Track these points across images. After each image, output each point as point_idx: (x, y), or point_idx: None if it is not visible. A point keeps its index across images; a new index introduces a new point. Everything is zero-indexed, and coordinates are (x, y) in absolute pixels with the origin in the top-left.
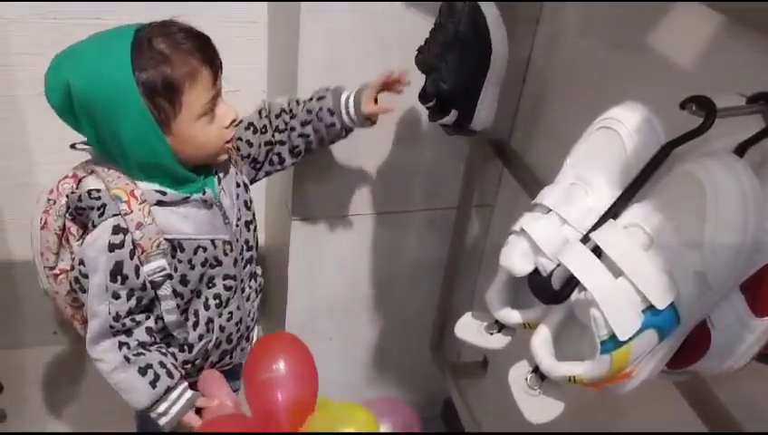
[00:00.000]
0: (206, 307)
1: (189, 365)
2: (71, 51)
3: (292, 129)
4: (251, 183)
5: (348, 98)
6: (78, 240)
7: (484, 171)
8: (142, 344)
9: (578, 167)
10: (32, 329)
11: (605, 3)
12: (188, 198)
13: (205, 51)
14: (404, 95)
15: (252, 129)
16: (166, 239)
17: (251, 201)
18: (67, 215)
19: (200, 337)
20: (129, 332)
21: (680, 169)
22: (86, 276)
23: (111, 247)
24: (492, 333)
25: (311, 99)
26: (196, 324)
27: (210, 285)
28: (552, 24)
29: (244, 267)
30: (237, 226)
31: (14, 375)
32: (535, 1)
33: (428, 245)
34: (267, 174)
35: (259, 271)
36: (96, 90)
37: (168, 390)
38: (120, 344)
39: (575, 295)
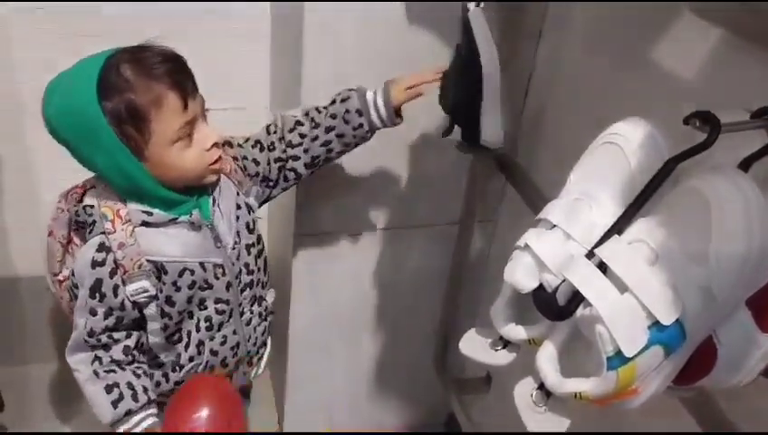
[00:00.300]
0: (198, 329)
1: (180, 385)
2: (53, 80)
3: (314, 138)
4: (266, 200)
5: (375, 95)
6: None
7: (486, 186)
8: (116, 362)
9: (582, 182)
10: (34, 345)
11: (607, 19)
12: (176, 219)
13: (174, 76)
14: (406, 112)
15: (258, 147)
16: (149, 261)
17: (254, 223)
18: (72, 225)
19: (191, 359)
20: (106, 347)
21: (685, 184)
22: (77, 287)
23: (94, 264)
24: (497, 350)
25: (332, 103)
26: (187, 345)
27: (202, 307)
28: (554, 39)
29: (243, 291)
30: (234, 248)
31: (16, 392)
32: None
33: (431, 260)
34: (284, 190)
35: (266, 294)
36: (67, 120)
37: (129, 413)
38: (95, 358)
39: (580, 311)
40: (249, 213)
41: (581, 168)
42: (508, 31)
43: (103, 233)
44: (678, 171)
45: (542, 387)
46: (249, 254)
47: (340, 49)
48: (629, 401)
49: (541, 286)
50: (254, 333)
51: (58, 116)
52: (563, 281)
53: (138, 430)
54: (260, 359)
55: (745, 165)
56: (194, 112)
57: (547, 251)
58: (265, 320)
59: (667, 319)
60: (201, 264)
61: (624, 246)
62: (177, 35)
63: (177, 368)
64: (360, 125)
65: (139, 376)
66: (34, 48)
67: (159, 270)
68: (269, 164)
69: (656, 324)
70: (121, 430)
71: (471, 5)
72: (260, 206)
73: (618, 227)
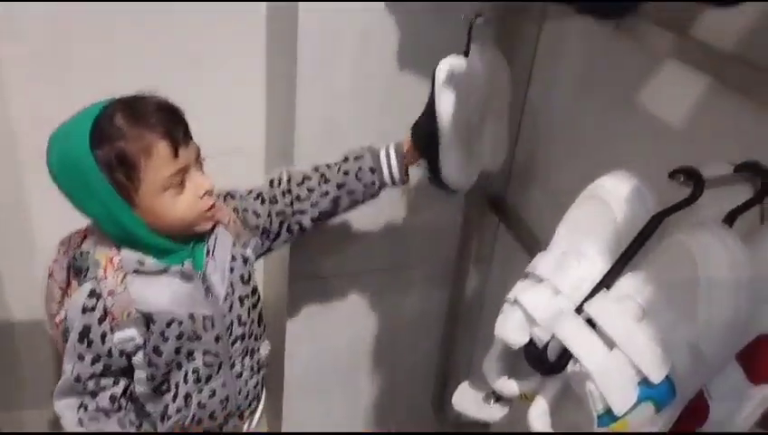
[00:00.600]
0: (185, 381)
1: None
2: (55, 129)
3: (324, 193)
4: (266, 253)
5: (388, 155)
6: None
7: (480, 227)
8: (103, 410)
9: (570, 235)
10: (31, 391)
11: (596, 63)
12: (168, 268)
13: (165, 124)
14: None
15: (260, 199)
16: (138, 310)
17: (250, 275)
18: (70, 269)
19: (178, 410)
20: (93, 394)
21: (671, 239)
22: (69, 332)
23: (84, 310)
24: (490, 404)
25: (345, 160)
26: (174, 397)
27: (190, 359)
28: (543, 83)
29: (233, 344)
30: (226, 300)
31: None
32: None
33: (427, 300)
34: (285, 242)
35: (259, 347)
36: (64, 168)
37: None
38: (81, 405)
39: (571, 367)
40: (245, 265)
41: (569, 221)
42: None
43: (95, 279)
44: (665, 223)
45: None
46: (242, 306)
47: (333, 94)
48: None
49: (531, 341)
50: (246, 387)
51: (56, 164)
52: (553, 336)
53: None
54: (252, 412)
55: (730, 218)
56: (185, 161)
57: (536, 306)
58: (258, 373)
59: (656, 376)
60: (190, 315)
61: (612, 303)
62: (174, 83)
63: (165, 419)
64: (373, 183)
65: (124, 426)
66: (28, 95)
67: (147, 320)
68: (269, 217)
69: (645, 381)
70: None
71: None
72: (258, 258)
73: (606, 283)
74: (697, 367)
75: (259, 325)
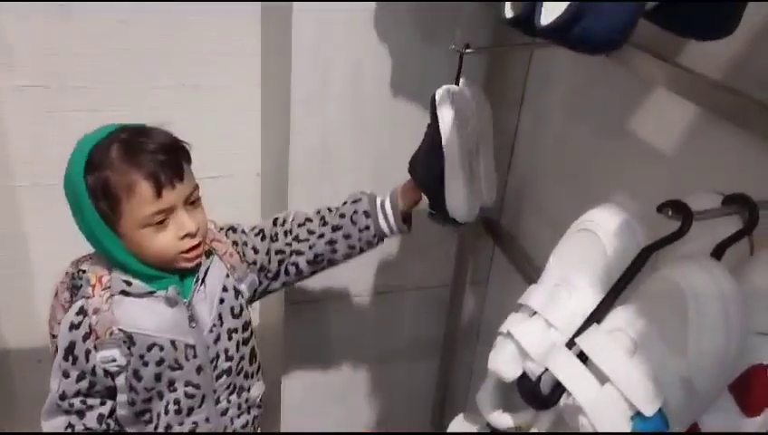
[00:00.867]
0: (166, 412)
1: None
2: (79, 139)
3: (321, 235)
4: (264, 293)
5: (384, 199)
6: None
7: (476, 249)
8: (89, 431)
9: (561, 268)
10: (28, 417)
11: (586, 88)
12: (154, 292)
13: (153, 165)
14: (398, 174)
15: (261, 235)
16: (121, 330)
17: (242, 310)
18: (71, 289)
19: None
20: (81, 414)
21: (660, 273)
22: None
23: (71, 327)
24: None
25: (344, 203)
26: (155, 428)
27: (171, 388)
28: (534, 108)
29: (218, 378)
30: (212, 331)
31: None
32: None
33: (424, 323)
34: (284, 285)
35: (251, 386)
36: (65, 187)
37: None
38: (68, 425)
39: (564, 401)
40: (236, 298)
41: (560, 253)
42: (490, 98)
43: (84, 297)
44: (655, 256)
45: None
46: (230, 339)
47: (326, 120)
48: None
49: (524, 375)
50: (232, 425)
51: (63, 179)
52: (546, 370)
53: None
54: None
55: (719, 250)
56: (170, 202)
57: (529, 339)
58: (248, 413)
59: (648, 410)
60: (172, 341)
61: (604, 336)
62: (171, 109)
63: None
64: (367, 227)
65: None
66: (25, 122)
67: (129, 341)
68: (268, 254)
69: (638, 415)
70: None
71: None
72: (258, 298)
73: (597, 316)
74: (690, 400)
75: (251, 363)
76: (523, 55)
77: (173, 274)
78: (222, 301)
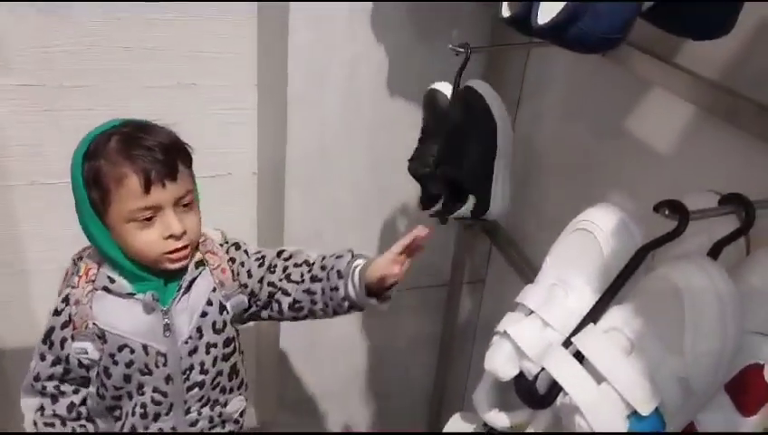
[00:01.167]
0: (133, 413)
1: None
2: None
3: (302, 281)
4: (248, 319)
5: (359, 264)
6: None
7: (473, 249)
8: (59, 417)
9: (557, 267)
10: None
11: (583, 88)
12: (134, 294)
13: (146, 161)
14: (395, 174)
15: (260, 262)
16: (96, 325)
17: (225, 325)
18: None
19: None
20: (54, 398)
21: (657, 272)
22: None
23: (54, 312)
24: None
25: (332, 255)
26: (122, 426)
27: (140, 392)
28: (531, 108)
29: (190, 390)
30: (188, 343)
31: None
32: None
33: (422, 322)
34: (270, 318)
35: (227, 400)
36: (70, 167)
37: None
38: (40, 408)
39: (560, 400)
40: (221, 313)
41: (557, 252)
42: None
43: (71, 287)
44: (651, 256)
45: None
46: (208, 353)
47: (323, 118)
48: None
49: (521, 374)
50: None
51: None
52: (543, 369)
53: None
54: None
55: (716, 250)
56: (158, 200)
57: (526, 339)
58: (222, 427)
59: (645, 409)
60: (144, 346)
61: (600, 335)
62: (168, 108)
63: None
64: (336, 288)
65: None
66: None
67: (102, 338)
68: (261, 282)
69: (634, 414)
70: None
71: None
72: (247, 321)
73: (594, 315)
74: (686, 399)
75: (230, 379)
76: (520, 55)
77: (158, 275)
78: (204, 314)
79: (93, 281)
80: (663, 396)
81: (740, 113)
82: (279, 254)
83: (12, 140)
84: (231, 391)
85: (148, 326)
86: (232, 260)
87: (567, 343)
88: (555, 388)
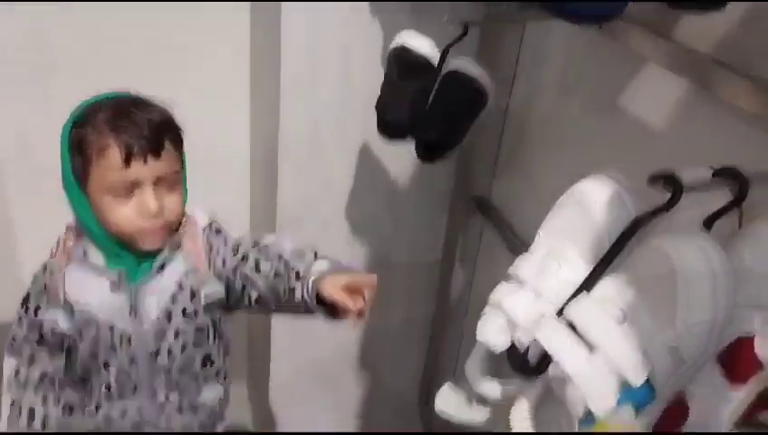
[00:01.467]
0: (99, 389)
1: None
2: None
3: (268, 277)
4: (234, 307)
5: (317, 271)
6: None
7: (466, 226)
8: (31, 383)
9: (551, 238)
10: None
11: (578, 63)
12: (105, 271)
13: (130, 134)
14: (384, 154)
15: (235, 250)
16: (67, 297)
17: (197, 313)
18: None
19: (89, 414)
20: (30, 361)
21: (650, 244)
22: None
23: (34, 279)
24: (472, 406)
25: (299, 251)
26: (90, 400)
27: (106, 368)
28: (526, 83)
29: (156, 374)
30: (155, 326)
31: None
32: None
33: (413, 300)
34: (249, 311)
35: (200, 388)
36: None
37: None
38: (16, 370)
39: (552, 370)
40: (192, 300)
41: (550, 224)
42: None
43: (51, 256)
44: (645, 228)
45: None
46: (176, 339)
47: (315, 100)
48: None
49: (513, 345)
50: (169, 423)
51: None
52: (535, 340)
53: None
54: None
55: (709, 222)
56: (138, 176)
57: (518, 310)
58: (193, 414)
59: (636, 380)
60: (109, 325)
61: (593, 306)
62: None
63: (79, 413)
64: (294, 289)
65: (46, 404)
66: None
67: (71, 310)
68: (235, 272)
69: (626, 384)
70: None
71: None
72: (231, 310)
73: (586, 286)
74: (677, 369)
75: (204, 367)
76: (515, 30)
77: (133, 253)
78: (174, 298)
79: (70, 252)
80: (654, 366)
81: (736, 89)
82: (255, 243)
83: (1, 128)
84: (205, 379)
85: (115, 304)
86: (210, 247)
87: (559, 314)
88: (547, 358)
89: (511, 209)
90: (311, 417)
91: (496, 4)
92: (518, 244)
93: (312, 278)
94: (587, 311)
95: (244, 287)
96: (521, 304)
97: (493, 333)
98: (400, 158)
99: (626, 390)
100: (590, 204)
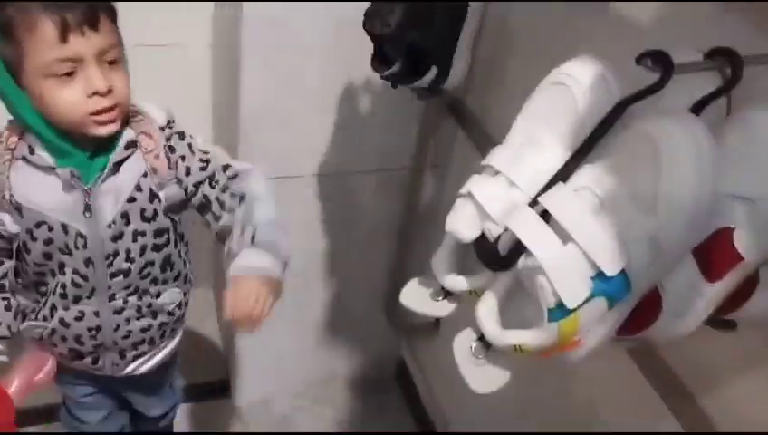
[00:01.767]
0: (54, 292)
1: (29, 338)
2: None
3: (222, 222)
4: (180, 210)
5: (236, 265)
6: None
7: (438, 131)
8: None
9: (528, 125)
10: None
11: None
12: (54, 169)
13: (63, 5)
14: (355, 54)
15: (204, 165)
16: (13, 197)
17: (156, 214)
18: None
19: (43, 317)
20: None
21: (635, 128)
22: None
23: None
24: (437, 300)
25: (248, 207)
26: (44, 304)
27: (61, 271)
28: None
29: (114, 277)
30: (111, 227)
31: None
32: None
33: (382, 206)
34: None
35: (160, 292)
36: None
37: None
38: None
39: (522, 262)
40: (151, 202)
41: (528, 110)
42: None
43: None
44: (629, 114)
45: (481, 339)
46: (135, 241)
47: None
48: (572, 352)
49: (482, 236)
50: (127, 326)
51: None
52: (506, 230)
53: None
54: (138, 356)
55: (698, 108)
56: (78, 51)
57: (489, 199)
58: (152, 317)
59: (611, 270)
60: (63, 225)
61: (569, 194)
62: None
63: (27, 318)
64: (227, 254)
65: None
66: None
67: (19, 211)
68: (197, 188)
69: (599, 275)
70: None
71: None
72: (174, 213)
73: (563, 174)
74: (654, 261)
75: (163, 271)
76: None
77: (83, 147)
78: (132, 199)
79: (13, 150)
80: (631, 256)
81: None
82: (225, 168)
83: None
84: (165, 282)
85: (68, 204)
86: (171, 149)
87: (533, 203)
88: (517, 249)
89: (486, 113)
90: (275, 319)
91: None
92: (491, 148)
93: (230, 269)
94: (562, 199)
95: (201, 207)
96: (492, 193)
97: (462, 223)
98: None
99: (600, 281)
100: (573, 86)
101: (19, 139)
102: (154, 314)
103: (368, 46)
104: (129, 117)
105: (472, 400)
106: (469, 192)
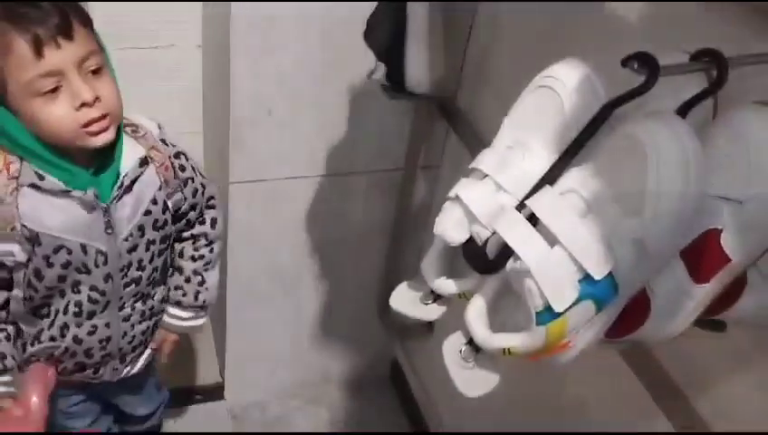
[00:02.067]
0: (65, 311)
1: (35, 359)
2: None
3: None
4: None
5: (166, 320)
6: None
7: (430, 132)
8: None
9: (515, 128)
10: None
11: None
12: (70, 191)
13: (31, 19)
14: (345, 54)
15: (194, 194)
16: (25, 226)
17: (166, 223)
18: None
19: (51, 338)
20: None
21: (621, 131)
22: None
23: None
24: (427, 304)
25: (197, 271)
26: (51, 324)
27: (75, 290)
28: None
29: (127, 286)
30: (128, 240)
31: None
32: None
33: (374, 207)
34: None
35: (155, 293)
36: None
37: None
38: None
39: (510, 265)
40: (164, 212)
41: (515, 113)
42: None
43: None
44: (615, 116)
45: (471, 342)
46: (147, 250)
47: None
48: (561, 355)
49: (471, 239)
50: (132, 331)
51: None
52: (493, 233)
53: None
54: (136, 357)
55: (684, 110)
56: (56, 64)
57: (477, 202)
58: (149, 319)
59: (598, 273)
60: (83, 246)
61: (555, 197)
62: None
63: (36, 342)
64: (168, 292)
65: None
66: None
67: (33, 240)
68: (180, 216)
69: (587, 278)
70: None
71: None
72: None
73: (550, 177)
74: (641, 263)
75: (163, 273)
76: None
77: (84, 164)
78: (148, 212)
79: (17, 177)
80: (618, 259)
81: None
82: (210, 198)
83: None
84: (160, 283)
85: (86, 224)
86: (176, 167)
87: (521, 206)
88: (505, 252)
89: (477, 114)
90: (267, 318)
91: None
92: (482, 150)
93: (165, 317)
94: (548, 202)
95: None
96: (480, 197)
97: (450, 226)
98: (362, 60)
99: (587, 284)
100: (559, 89)
101: (21, 164)
102: (152, 316)
103: (359, 46)
104: (131, 132)
105: (465, 400)
106: (457, 195)
